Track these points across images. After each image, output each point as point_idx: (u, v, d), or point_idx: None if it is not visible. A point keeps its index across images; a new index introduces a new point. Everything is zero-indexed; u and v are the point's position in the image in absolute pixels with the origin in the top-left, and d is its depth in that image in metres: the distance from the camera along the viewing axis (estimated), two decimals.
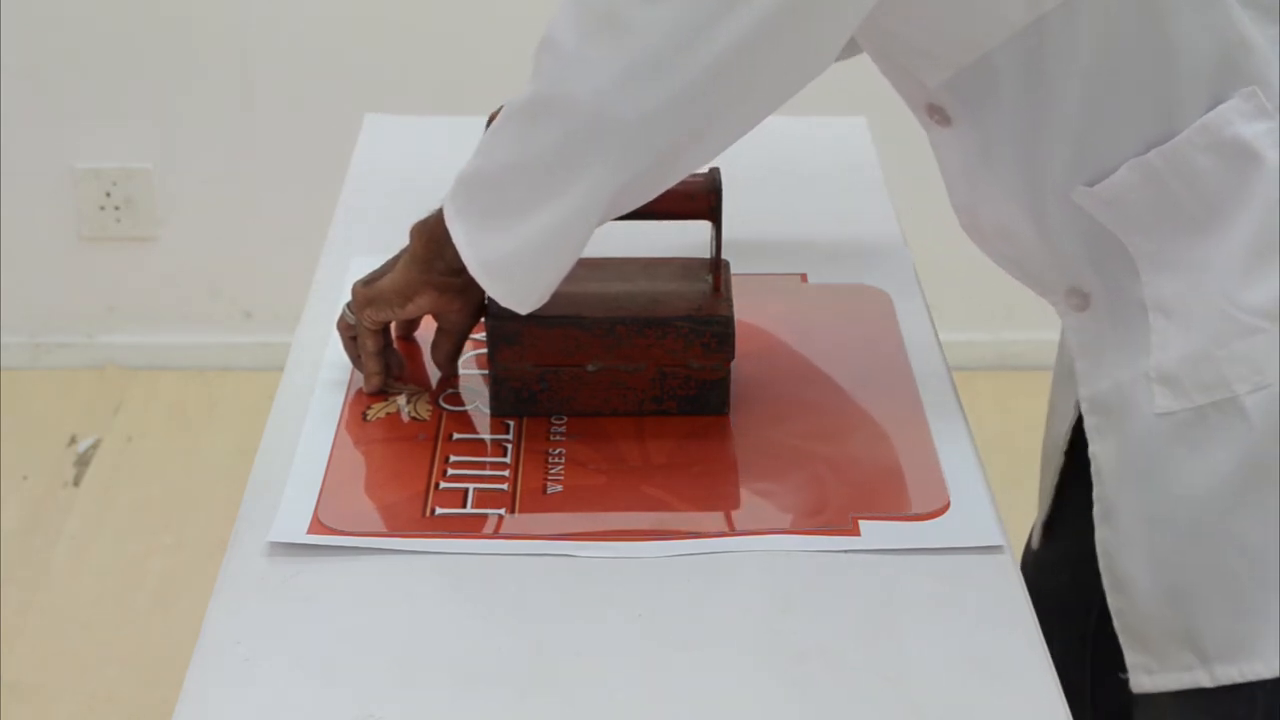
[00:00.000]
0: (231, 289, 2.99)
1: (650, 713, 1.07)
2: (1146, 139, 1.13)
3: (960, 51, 1.15)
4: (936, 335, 1.45)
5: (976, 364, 2.92)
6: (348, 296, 1.35)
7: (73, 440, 2.81)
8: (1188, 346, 1.17)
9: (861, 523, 1.22)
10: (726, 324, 1.31)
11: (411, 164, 1.79)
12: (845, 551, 1.19)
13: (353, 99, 2.52)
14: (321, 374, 1.39)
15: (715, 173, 1.33)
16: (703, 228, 1.34)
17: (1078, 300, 1.23)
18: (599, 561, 1.18)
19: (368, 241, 1.60)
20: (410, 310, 1.30)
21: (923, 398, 1.37)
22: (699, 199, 1.32)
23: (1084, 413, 1.25)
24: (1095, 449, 1.25)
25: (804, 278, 1.54)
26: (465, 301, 1.29)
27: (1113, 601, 1.26)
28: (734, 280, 1.36)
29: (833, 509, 1.23)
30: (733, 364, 1.33)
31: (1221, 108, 1.11)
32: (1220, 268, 1.15)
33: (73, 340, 3.01)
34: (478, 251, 1.21)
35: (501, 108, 1.20)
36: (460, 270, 1.25)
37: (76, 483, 2.70)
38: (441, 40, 2.79)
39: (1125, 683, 1.27)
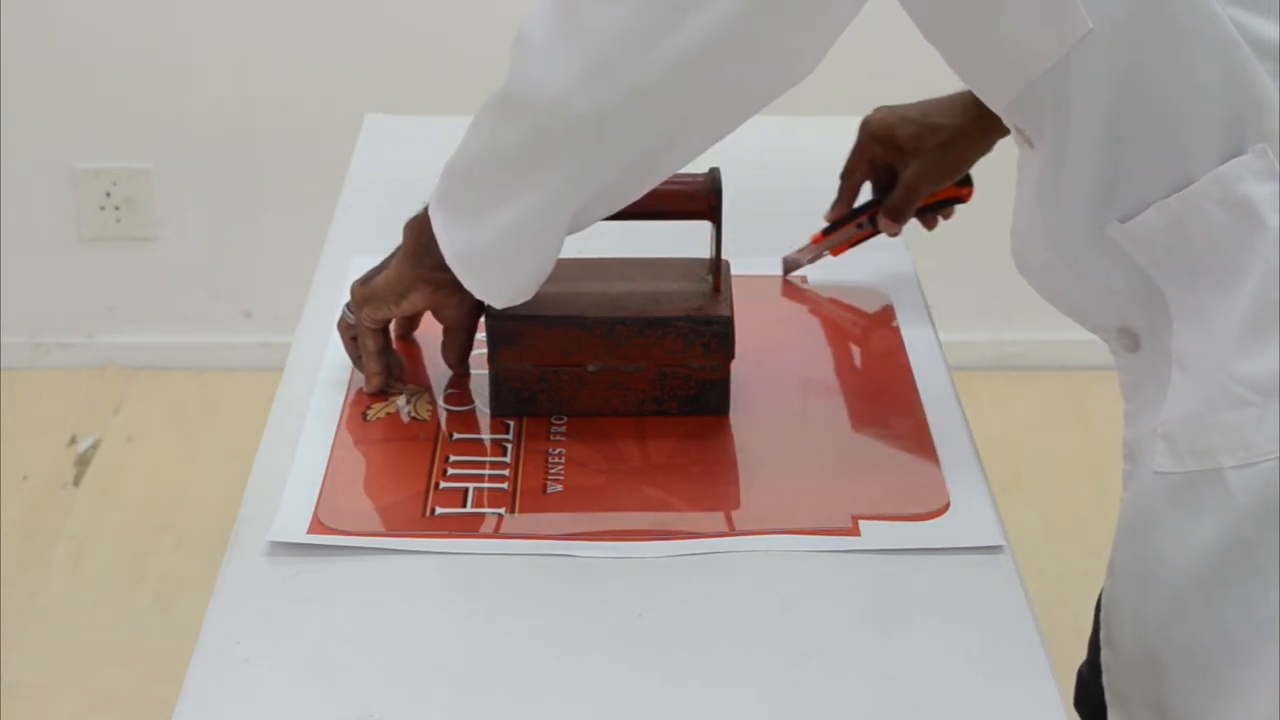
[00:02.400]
0: (231, 289, 2.99)
1: (650, 713, 1.07)
2: (1168, 183, 1.11)
3: (1008, 81, 1.15)
4: (936, 335, 1.45)
5: (976, 364, 2.91)
6: (348, 296, 1.35)
7: (73, 440, 2.80)
8: (1188, 407, 1.13)
9: (861, 523, 1.22)
10: (726, 324, 1.31)
11: (411, 164, 1.78)
12: (845, 551, 1.19)
13: (353, 99, 2.52)
14: (321, 374, 1.39)
15: (715, 173, 1.33)
16: (703, 228, 1.34)
17: (1129, 341, 1.19)
18: (599, 561, 1.19)
19: (368, 241, 1.60)
20: (405, 307, 1.31)
21: (923, 398, 1.37)
22: (699, 199, 1.32)
23: (1123, 457, 1.21)
24: (1125, 496, 1.21)
25: (804, 278, 1.55)
26: (461, 297, 1.29)
27: (1104, 656, 1.24)
28: (734, 280, 1.36)
29: (833, 509, 1.23)
30: (733, 364, 1.33)
31: (1234, 162, 1.09)
32: (1223, 330, 1.11)
33: (73, 340, 3.01)
34: (452, 244, 1.23)
35: None
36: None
37: (76, 483, 2.70)
38: (441, 40, 2.79)
39: None
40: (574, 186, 1.16)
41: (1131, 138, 1.11)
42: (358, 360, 1.36)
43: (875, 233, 1.52)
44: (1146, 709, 1.21)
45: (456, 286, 1.27)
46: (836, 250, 1.54)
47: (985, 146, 1.47)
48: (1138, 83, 1.09)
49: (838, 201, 1.53)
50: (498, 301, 1.27)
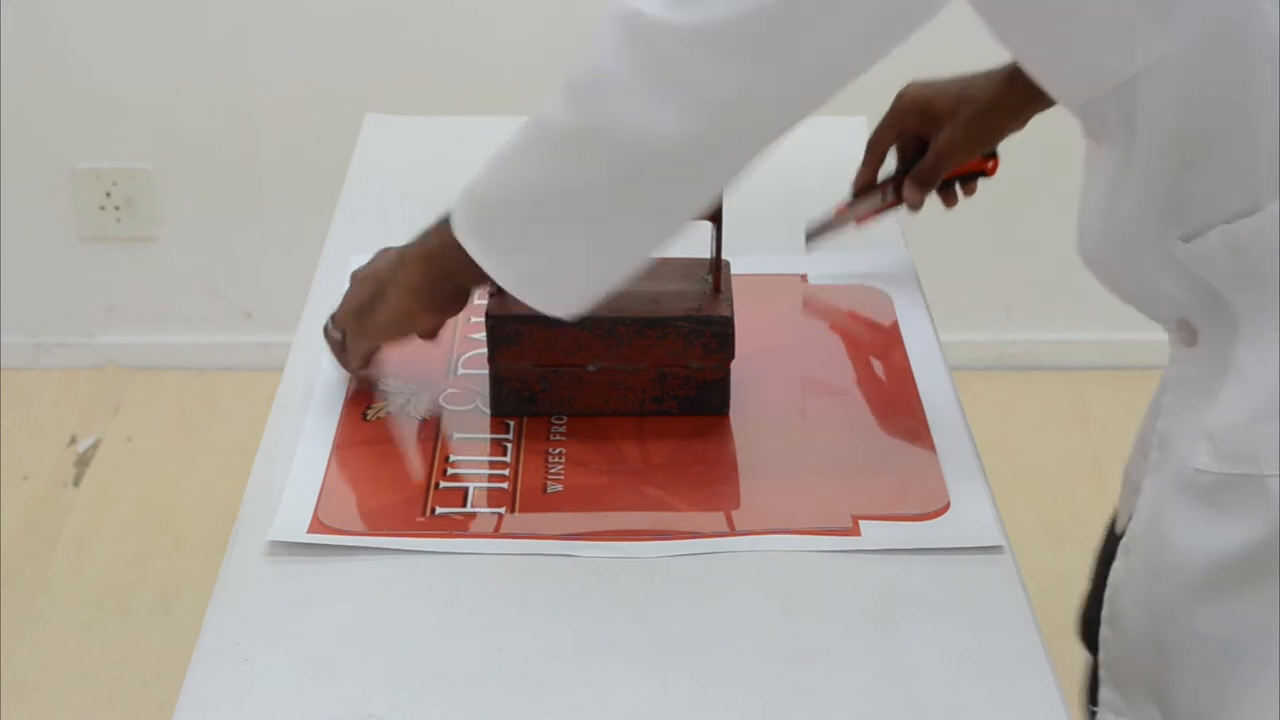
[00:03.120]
0: (231, 289, 2.99)
1: (650, 713, 1.06)
2: (1234, 208, 1.11)
3: (1075, 90, 1.15)
4: (936, 335, 1.45)
5: (976, 364, 2.91)
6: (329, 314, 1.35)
7: (73, 440, 2.80)
8: (1238, 414, 1.14)
9: (861, 523, 1.22)
10: (726, 324, 1.31)
11: (411, 164, 1.79)
12: (845, 551, 1.19)
13: (353, 99, 2.52)
14: (321, 374, 1.39)
15: None
16: (703, 228, 1.34)
17: (1186, 335, 1.19)
18: (599, 561, 1.18)
19: (368, 241, 1.60)
20: (405, 338, 1.31)
21: (923, 398, 1.37)
22: None
23: (1152, 445, 1.23)
24: (1147, 483, 1.23)
25: (804, 278, 1.54)
26: (454, 314, 1.29)
27: (1103, 633, 1.25)
28: (734, 280, 1.36)
29: (833, 509, 1.23)
30: (733, 364, 1.33)
31: None
32: None
33: (73, 340, 3.00)
34: (514, 270, 1.17)
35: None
36: (468, 292, 1.24)
37: (76, 483, 2.70)
38: (441, 40, 2.79)
39: None
40: (660, 212, 1.14)
41: (1198, 161, 1.11)
42: (346, 365, 1.36)
43: (898, 203, 1.52)
44: (1143, 691, 1.22)
45: (459, 308, 1.27)
46: (861, 219, 1.54)
47: (1020, 121, 1.47)
48: (1206, 109, 1.09)
49: (864, 169, 1.52)
50: (569, 313, 1.21)
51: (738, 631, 1.13)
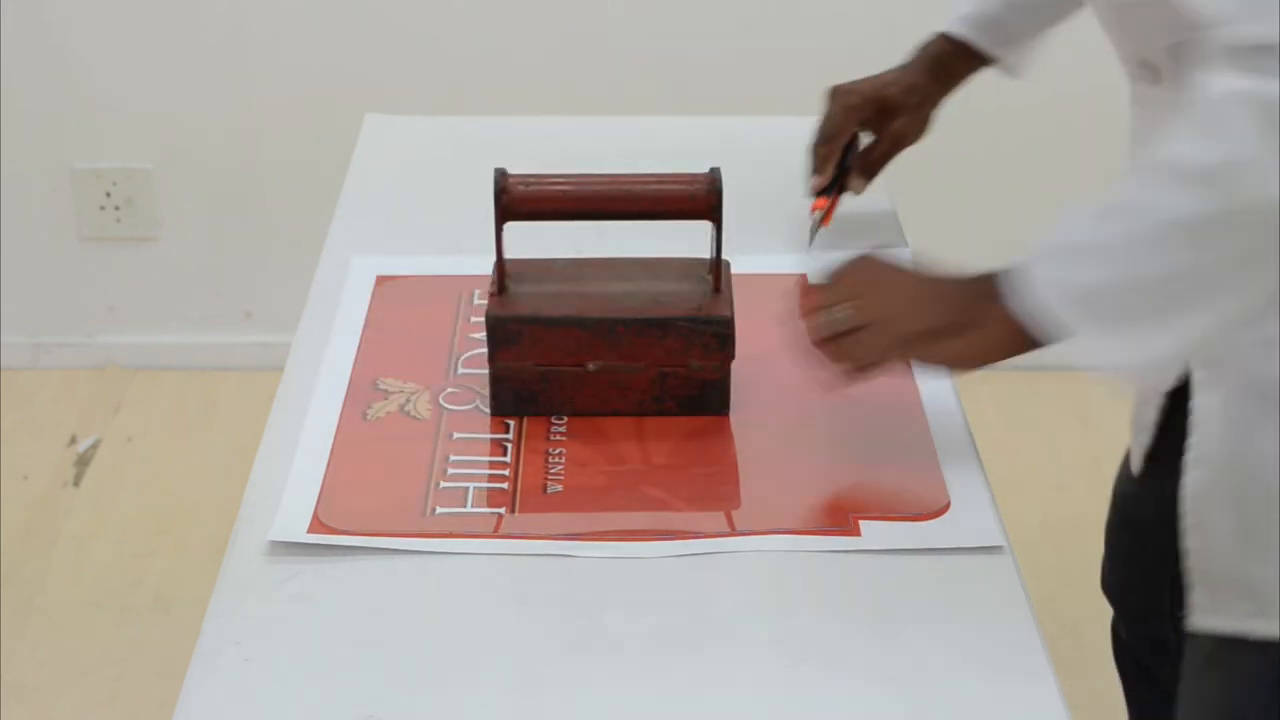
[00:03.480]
0: (231, 289, 2.99)
1: (651, 712, 1.07)
2: None
3: (1165, 33, 1.19)
4: None
5: None
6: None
7: (73, 440, 2.80)
8: None
9: (861, 523, 1.22)
10: (726, 324, 1.31)
11: (411, 164, 1.79)
12: (845, 551, 1.19)
13: (353, 99, 2.52)
14: (321, 374, 1.39)
15: (715, 173, 1.33)
16: (703, 228, 1.34)
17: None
18: (599, 561, 1.18)
19: (368, 241, 1.60)
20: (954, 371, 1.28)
21: (923, 398, 1.37)
22: (699, 199, 1.32)
23: (1192, 366, 1.27)
24: (1200, 401, 1.26)
25: (804, 278, 1.54)
26: None
27: (1189, 542, 1.28)
28: (734, 280, 1.36)
29: (833, 509, 1.23)
30: (733, 364, 1.33)
31: None
32: None
33: (73, 340, 3.00)
34: (1135, 355, 1.17)
35: None
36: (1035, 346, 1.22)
37: (76, 483, 2.70)
38: (441, 40, 2.79)
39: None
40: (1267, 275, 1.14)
41: None
42: (843, 355, 1.26)
43: (840, 195, 1.61)
44: (1234, 587, 1.26)
45: None
46: (826, 219, 1.60)
47: (943, 101, 1.62)
48: None
49: (823, 166, 1.60)
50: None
51: (738, 631, 1.13)
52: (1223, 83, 1.08)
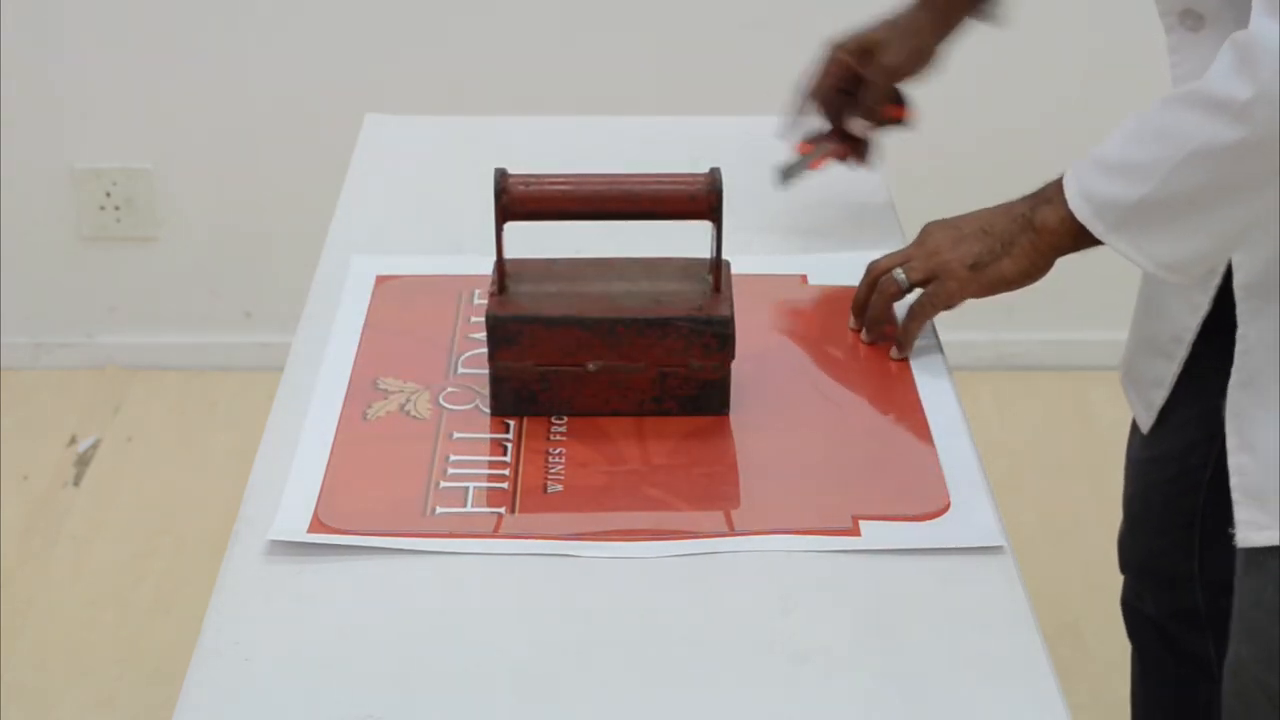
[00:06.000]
0: (231, 289, 2.99)
1: (650, 712, 1.07)
2: None
3: None
4: (936, 335, 1.45)
5: (976, 364, 2.91)
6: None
7: (73, 440, 2.80)
8: None
9: (861, 523, 1.22)
10: (726, 324, 1.31)
11: (411, 164, 1.79)
12: (845, 551, 1.19)
13: (353, 99, 2.52)
14: (321, 374, 1.39)
15: (715, 173, 1.33)
16: (703, 228, 1.34)
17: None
18: (599, 561, 1.19)
19: (368, 241, 1.60)
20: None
21: (923, 398, 1.37)
22: (699, 199, 1.32)
23: (1239, 300, 1.35)
24: (1246, 329, 1.34)
25: (804, 278, 1.54)
26: None
27: (1235, 461, 1.35)
28: (734, 280, 1.36)
29: (833, 509, 1.23)
30: (733, 364, 1.33)
31: None
32: None
33: (73, 340, 3.01)
34: (1165, 258, 1.28)
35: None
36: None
37: (76, 483, 2.70)
38: (441, 40, 2.79)
39: (1231, 555, 1.37)
40: None
41: None
42: (861, 312, 1.44)
43: (844, 155, 1.62)
44: None
45: None
46: (816, 163, 1.61)
47: (943, 38, 1.61)
48: None
49: (810, 101, 1.62)
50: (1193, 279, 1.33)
51: (738, 631, 1.13)
52: (1258, 25, 1.17)
